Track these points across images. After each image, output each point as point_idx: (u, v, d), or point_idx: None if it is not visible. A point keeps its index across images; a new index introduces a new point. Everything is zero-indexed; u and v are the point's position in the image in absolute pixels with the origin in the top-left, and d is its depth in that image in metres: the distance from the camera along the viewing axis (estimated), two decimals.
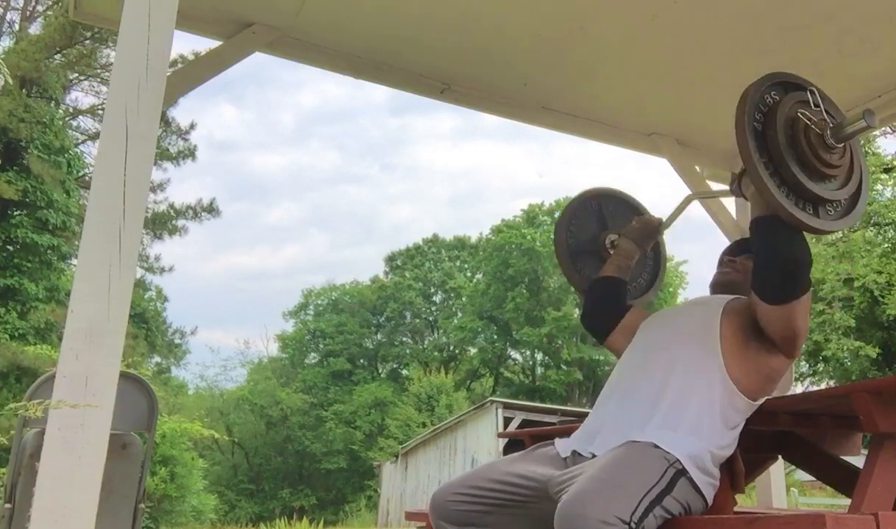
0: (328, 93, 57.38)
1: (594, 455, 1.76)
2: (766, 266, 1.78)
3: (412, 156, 56.38)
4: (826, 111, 1.78)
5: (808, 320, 1.83)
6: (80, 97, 22.20)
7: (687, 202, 2.42)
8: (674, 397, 1.78)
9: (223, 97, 54.88)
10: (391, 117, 57.85)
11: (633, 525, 1.48)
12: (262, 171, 54.58)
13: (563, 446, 1.90)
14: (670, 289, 28.88)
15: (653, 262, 2.56)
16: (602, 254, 2.43)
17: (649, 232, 2.35)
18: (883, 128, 14.80)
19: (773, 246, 1.75)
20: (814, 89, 1.81)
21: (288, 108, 56.29)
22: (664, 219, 2.39)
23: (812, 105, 1.77)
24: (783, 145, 1.69)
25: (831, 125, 1.74)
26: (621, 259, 2.31)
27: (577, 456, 1.84)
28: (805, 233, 1.76)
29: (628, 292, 2.40)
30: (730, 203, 3.53)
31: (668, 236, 2.50)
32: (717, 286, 2.16)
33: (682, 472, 1.64)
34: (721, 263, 2.20)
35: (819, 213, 1.74)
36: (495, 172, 55.53)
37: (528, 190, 57.36)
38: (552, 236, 2.54)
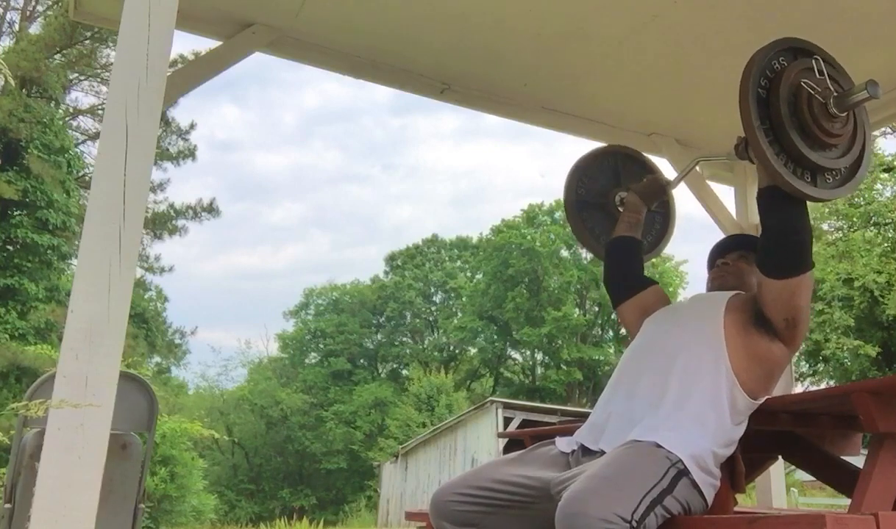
0: (330, 92, 57.43)
1: (603, 452, 1.77)
2: (770, 238, 1.80)
3: (414, 156, 56.44)
4: (831, 78, 1.78)
5: (810, 305, 1.84)
6: (80, 97, 22.22)
7: (693, 164, 2.47)
8: (678, 395, 1.78)
9: (225, 97, 54.94)
10: (393, 117, 57.90)
11: (634, 523, 1.48)
12: (263, 171, 54.64)
13: (566, 442, 1.90)
14: (670, 289, 28.86)
15: (661, 224, 2.60)
16: (610, 210, 2.45)
17: (655, 189, 2.38)
18: (883, 128, 14.79)
19: (778, 217, 1.77)
20: (819, 56, 1.80)
21: (290, 108, 56.35)
22: (671, 180, 2.44)
23: (817, 73, 1.77)
24: (785, 113, 1.69)
25: (835, 94, 1.73)
26: (631, 214, 2.33)
27: (582, 452, 1.84)
28: (805, 202, 1.78)
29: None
30: (730, 202, 3.53)
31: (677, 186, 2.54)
32: (714, 291, 2.15)
33: (683, 472, 1.64)
34: (713, 266, 2.19)
35: (817, 182, 1.74)
36: (498, 172, 55.60)
37: (530, 190, 57.48)
38: (564, 185, 2.54)
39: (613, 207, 2.45)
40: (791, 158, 1.70)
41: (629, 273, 2.27)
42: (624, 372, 1.99)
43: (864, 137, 1.82)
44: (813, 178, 1.73)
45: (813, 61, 1.79)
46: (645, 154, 2.66)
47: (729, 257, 2.14)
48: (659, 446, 1.67)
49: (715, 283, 2.14)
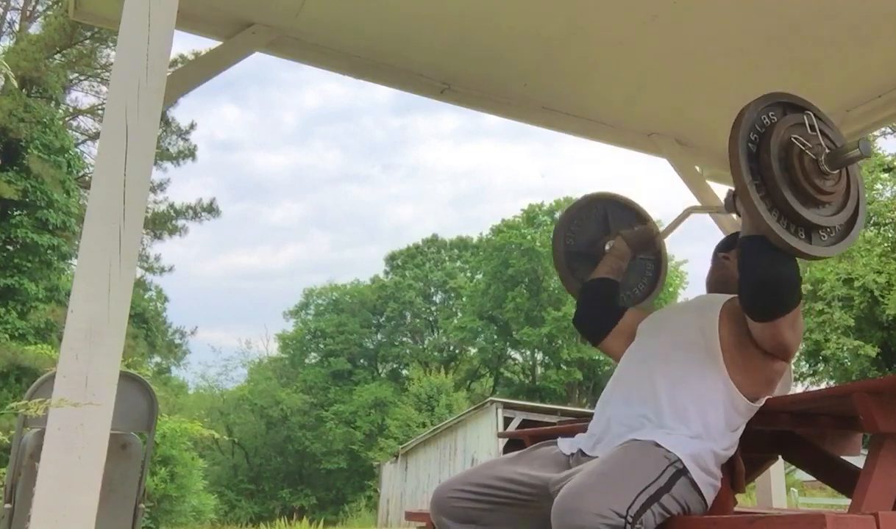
0: (330, 92, 57.45)
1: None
2: (751, 286, 1.76)
3: (415, 156, 56.45)
4: (822, 133, 1.76)
5: (800, 329, 1.82)
6: (80, 97, 22.20)
7: (685, 215, 2.40)
8: (676, 399, 1.78)
9: (225, 97, 54.97)
10: (394, 117, 57.92)
11: (629, 519, 1.48)
12: (264, 171, 54.66)
13: (568, 443, 1.91)
14: (670, 289, 28.88)
15: (652, 272, 2.52)
16: (600, 258, 2.38)
17: (645, 239, 2.33)
18: (883, 129, 14.79)
19: (757, 266, 1.73)
20: (811, 112, 1.79)
21: (290, 108, 56.37)
22: (661, 230, 2.37)
23: (808, 128, 1.75)
24: (776, 169, 1.67)
25: (827, 151, 1.71)
26: (614, 259, 2.29)
27: (581, 455, 1.84)
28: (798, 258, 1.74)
29: (628, 297, 2.39)
30: None
31: (669, 236, 2.48)
32: (713, 283, 2.16)
33: (682, 471, 1.64)
34: (715, 259, 2.20)
35: (812, 239, 1.71)
36: (498, 172, 55.60)
37: (531, 190, 57.48)
38: (552, 235, 2.51)
39: (602, 254, 2.39)
40: (784, 215, 1.67)
41: (605, 314, 2.21)
42: (621, 377, 1.98)
43: (857, 194, 1.80)
44: (808, 235, 1.71)
45: (804, 116, 1.77)
46: (636, 203, 2.57)
47: (731, 253, 2.13)
48: (658, 445, 1.67)
49: (715, 275, 2.16)
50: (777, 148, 1.69)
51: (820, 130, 1.76)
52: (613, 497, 1.51)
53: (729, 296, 1.96)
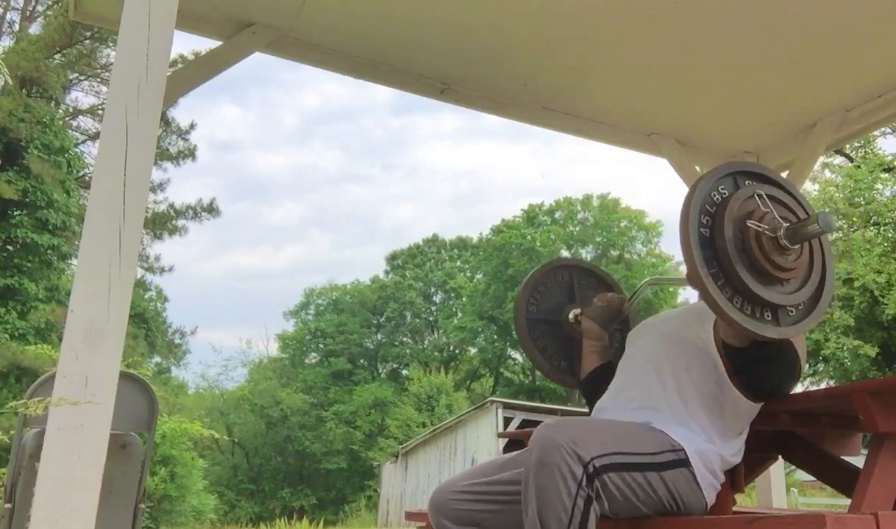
0: (331, 92, 57.49)
1: None
2: (759, 395, 1.77)
3: (415, 156, 56.50)
4: (779, 202, 1.64)
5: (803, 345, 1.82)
6: (80, 97, 22.22)
7: (645, 285, 2.37)
8: (678, 400, 1.77)
9: (225, 97, 55.01)
10: (394, 117, 57.96)
11: (589, 467, 1.48)
12: (264, 171, 54.72)
13: None
14: (671, 289, 28.86)
15: (619, 342, 2.35)
16: (564, 327, 2.33)
17: (612, 311, 2.22)
18: (883, 129, 14.79)
19: (757, 380, 1.73)
20: (762, 193, 1.64)
21: (290, 108, 56.42)
22: (626, 298, 2.27)
23: (763, 201, 1.62)
24: (732, 253, 1.54)
25: (785, 225, 1.58)
26: (594, 343, 2.21)
27: None
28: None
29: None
30: None
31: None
32: None
33: (683, 462, 1.64)
34: None
35: (779, 319, 1.58)
36: (498, 172, 55.65)
37: (531, 190, 57.49)
38: (515, 298, 2.42)
39: (567, 324, 2.32)
40: (747, 300, 1.55)
41: None
42: (620, 386, 1.96)
43: (822, 261, 1.68)
44: (774, 316, 1.58)
45: (756, 198, 1.63)
46: (601, 270, 2.54)
47: None
48: (666, 433, 1.66)
49: None
50: (731, 229, 1.57)
51: (776, 199, 1.64)
52: (585, 441, 1.51)
53: None
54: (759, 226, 1.57)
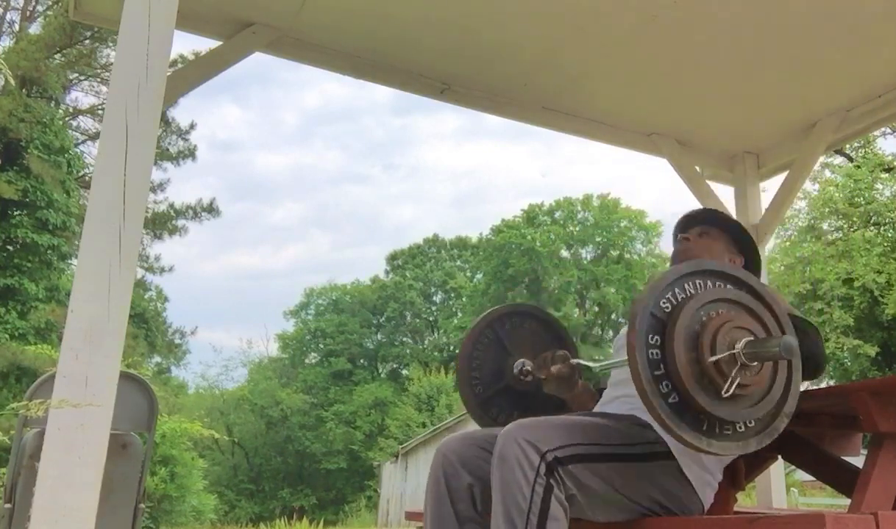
0: (331, 92, 57.54)
1: None
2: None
3: (415, 156, 56.55)
4: (736, 304, 1.50)
5: None
6: (80, 97, 22.23)
7: (579, 363, 2.05)
8: None
9: (226, 97, 55.07)
10: (394, 117, 58.00)
11: (547, 456, 1.50)
12: (264, 171, 54.79)
13: None
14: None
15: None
16: (515, 386, 2.11)
17: (565, 378, 2.00)
18: (883, 129, 14.79)
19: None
20: (718, 297, 1.50)
21: (291, 108, 56.48)
22: (568, 355, 2.02)
23: (717, 311, 1.48)
24: (685, 373, 1.40)
25: (746, 341, 1.44)
26: (575, 402, 2.06)
27: None
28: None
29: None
30: (730, 202, 3.53)
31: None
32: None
33: (664, 455, 1.63)
34: (676, 241, 2.09)
35: (723, 434, 1.44)
36: (499, 172, 55.71)
37: (531, 189, 57.48)
38: (458, 390, 2.20)
39: (516, 381, 2.10)
40: (702, 415, 1.41)
41: None
42: (613, 390, 1.96)
43: (787, 378, 1.50)
44: (719, 429, 1.44)
45: (709, 306, 1.48)
46: (527, 304, 2.33)
47: (690, 233, 2.04)
48: (650, 428, 1.65)
49: (679, 257, 2.02)
50: (683, 348, 1.42)
51: (735, 302, 1.50)
52: (545, 435, 1.52)
53: None
54: (713, 337, 1.43)
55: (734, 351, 1.42)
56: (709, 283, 1.52)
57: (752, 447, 1.44)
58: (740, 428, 1.45)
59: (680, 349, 1.41)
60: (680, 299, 1.49)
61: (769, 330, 1.50)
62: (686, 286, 1.51)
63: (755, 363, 1.43)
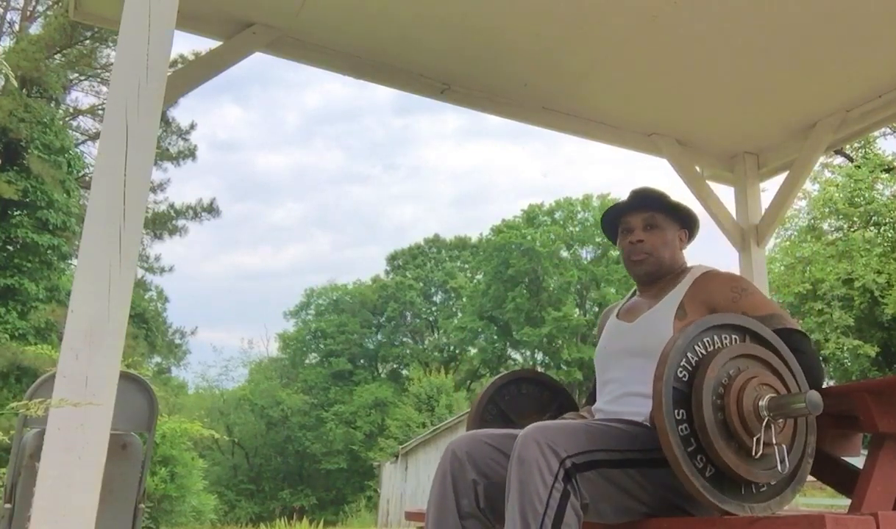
0: (332, 93, 57.53)
1: None
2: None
3: (416, 156, 56.52)
4: (761, 361, 1.53)
5: None
6: (80, 97, 22.23)
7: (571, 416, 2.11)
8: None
9: (227, 97, 55.08)
10: (395, 117, 57.96)
11: (566, 463, 1.51)
12: (265, 171, 54.77)
13: None
14: None
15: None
16: None
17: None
18: (883, 129, 14.78)
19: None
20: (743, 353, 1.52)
21: (292, 108, 56.45)
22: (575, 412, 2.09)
23: (738, 367, 1.50)
24: (712, 432, 1.42)
25: (769, 397, 1.47)
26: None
27: None
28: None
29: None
30: (730, 202, 3.53)
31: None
32: (640, 277, 2.01)
33: None
34: (625, 242, 2.03)
35: (770, 489, 1.49)
36: (500, 172, 55.68)
37: (531, 190, 57.47)
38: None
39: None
40: (723, 474, 1.44)
41: None
42: (604, 378, 1.96)
43: (805, 436, 1.55)
44: (746, 491, 1.47)
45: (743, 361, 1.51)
46: (520, 371, 2.36)
47: (635, 227, 1.99)
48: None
49: (634, 258, 1.99)
50: (709, 398, 1.44)
51: (759, 359, 1.53)
52: (563, 440, 1.53)
53: (677, 306, 1.87)
54: (739, 396, 1.45)
55: (761, 414, 1.45)
56: (716, 338, 1.54)
57: (789, 499, 1.49)
58: (774, 482, 1.49)
59: (710, 417, 1.42)
60: (694, 363, 1.50)
61: (783, 377, 1.53)
62: (697, 348, 1.52)
63: (780, 419, 1.46)
